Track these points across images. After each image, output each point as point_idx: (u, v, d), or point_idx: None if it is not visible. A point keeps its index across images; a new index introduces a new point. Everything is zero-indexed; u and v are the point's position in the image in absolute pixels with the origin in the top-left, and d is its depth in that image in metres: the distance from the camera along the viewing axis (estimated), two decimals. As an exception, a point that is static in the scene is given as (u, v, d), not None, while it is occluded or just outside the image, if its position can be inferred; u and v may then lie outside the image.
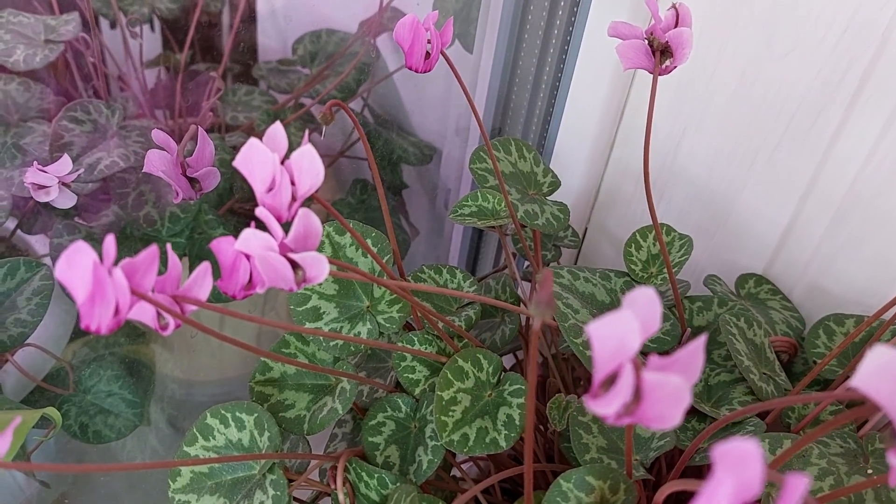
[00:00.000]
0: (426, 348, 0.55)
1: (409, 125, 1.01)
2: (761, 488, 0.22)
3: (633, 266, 0.62)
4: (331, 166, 1.02)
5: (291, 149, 0.92)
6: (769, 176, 0.66)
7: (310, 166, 0.40)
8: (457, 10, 0.83)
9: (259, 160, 0.40)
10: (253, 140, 0.39)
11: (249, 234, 0.39)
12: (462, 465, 0.69)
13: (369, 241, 0.53)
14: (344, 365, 0.54)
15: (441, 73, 0.89)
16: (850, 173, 0.62)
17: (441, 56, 0.52)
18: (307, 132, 0.41)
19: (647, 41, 0.47)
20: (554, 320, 0.53)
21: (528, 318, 0.70)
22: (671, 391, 0.27)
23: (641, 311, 0.30)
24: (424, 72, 0.49)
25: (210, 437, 0.51)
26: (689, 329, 0.60)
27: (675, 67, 0.48)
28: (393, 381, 0.58)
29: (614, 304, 0.60)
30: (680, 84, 0.67)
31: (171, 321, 0.39)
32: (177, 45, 1.08)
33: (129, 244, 0.77)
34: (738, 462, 0.22)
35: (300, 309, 0.53)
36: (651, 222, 0.64)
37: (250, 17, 1.18)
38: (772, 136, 0.64)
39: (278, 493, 0.49)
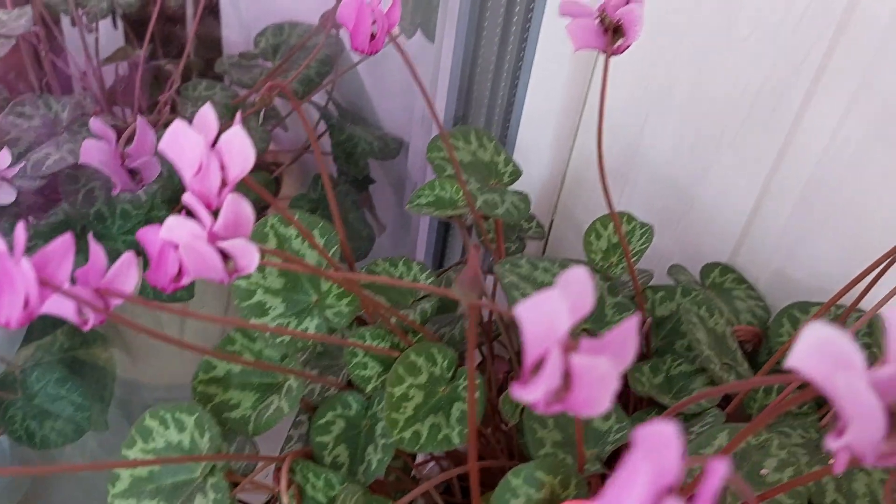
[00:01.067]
0: (378, 343, 0.53)
1: (375, 118, 0.99)
2: (680, 473, 0.21)
3: (593, 255, 0.60)
4: (295, 161, 1.00)
5: (255, 146, 0.90)
6: (731, 163, 0.64)
7: (240, 150, 0.38)
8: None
9: (185, 144, 0.38)
10: (178, 122, 0.37)
11: (175, 221, 0.37)
12: (424, 466, 0.67)
13: (316, 233, 0.51)
14: (291, 362, 0.52)
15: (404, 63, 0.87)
16: (812, 159, 0.60)
17: (393, 43, 0.50)
18: (238, 113, 0.39)
19: (598, 20, 0.45)
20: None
21: (490, 312, 0.69)
22: (599, 375, 0.26)
23: (572, 292, 0.28)
24: (371, 53, 0.47)
25: (150, 440, 0.49)
26: (650, 318, 0.58)
27: (628, 46, 0.47)
28: (345, 379, 0.56)
29: (573, 295, 0.58)
30: (641, 71, 0.65)
31: (92, 316, 0.37)
32: (139, 40, 1.05)
33: (80, 244, 0.74)
34: (657, 446, 0.21)
35: (245, 304, 0.51)
36: (620, 212, 0.62)
37: (213, 12, 1.16)
38: (733, 122, 0.62)
39: (219, 496, 0.47)
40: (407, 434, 0.49)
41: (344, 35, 0.95)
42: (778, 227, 0.65)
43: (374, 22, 0.46)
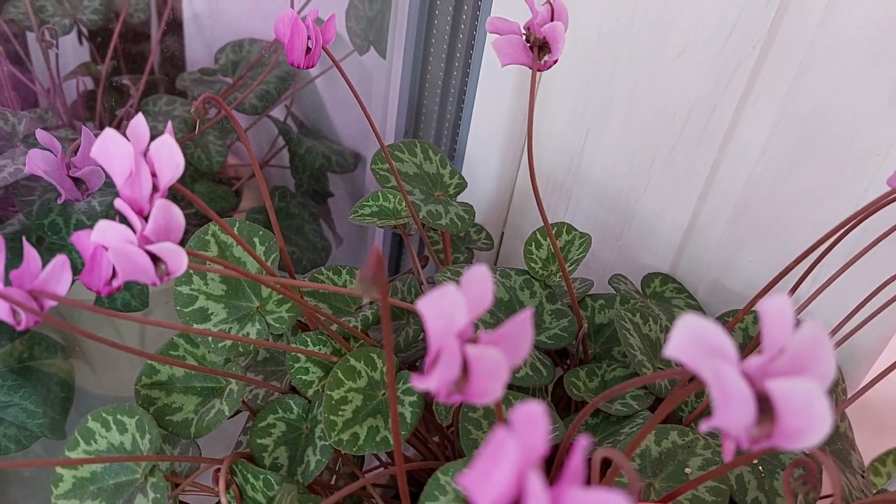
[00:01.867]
0: (320, 349, 0.54)
1: (333, 132, 1.01)
2: (545, 450, 0.22)
3: (533, 264, 0.62)
4: (253, 176, 1.02)
5: (212, 160, 0.90)
6: (668, 176, 0.67)
7: (169, 157, 0.39)
8: (371, 16, 0.83)
9: (116, 151, 0.39)
10: (109, 130, 0.39)
11: (105, 225, 0.38)
12: (371, 472, 0.68)
13: (256, 241, 0.52)
14: (233, 367, 0.53)
15: (361, 79, 0.89)
16: (743, 174, 0.63)
17: (330, 57, 0.52)
18: (169, 123, 0.41)
19: (524, 36, 0.47)
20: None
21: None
22: (491, 364, 0.27)
23: (473, 288, 0.30)
24: (307, 67, 0.49)
25: (92, 441, 0.50)
26: (585, 324, 0.60)
27: (555, 62, 0.49)
28: (289, 384, 0.57)
29: (512, 301, 0.60)
30: (581, 87, 0.68)
31: (25, 316, 0.38)
32: (102, 57, 1.06)
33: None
34: (526, 423, 0.22)
35: (187, 310, 0.52)
36: (560, 222, 0.64)
37: (176, 29, 1.17)
38: (669, 137, 0.65)
39: (159, 496, 0.48)
40: (345, 436, 0.51)
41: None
42: (714, 238, 0.67)
43: (309, 38, 0.47)
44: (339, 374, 0.52)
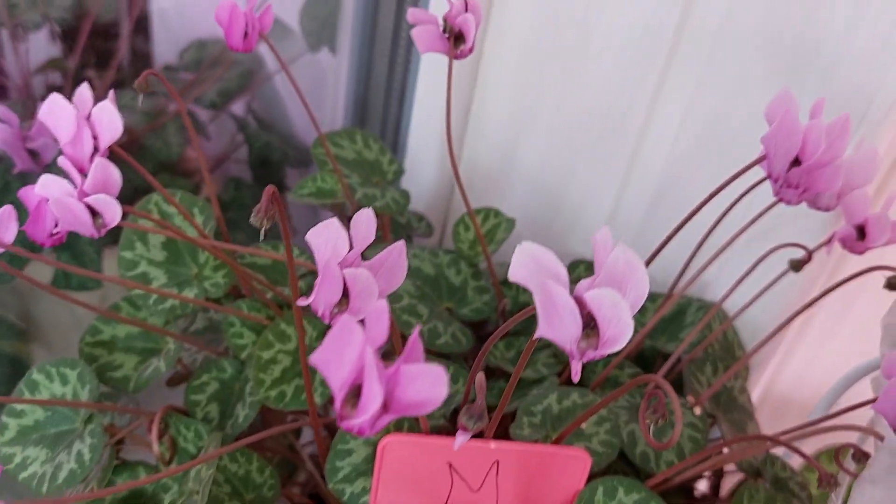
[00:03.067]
0: (254, 314, 0.58)
1: (293, 128, 1.05)
2: (385, 338, 0.27)
3: (460, 244, 0.66)
4: (217, 168, 1.06)
5: (171, 150, 0.94)
6: (592, 166, 0.72)
7: (109, 121, 0.44)
8: (324, 16, 0.88)
9: (61, 114, 0.43)
10: (55, 95, 0.43)
11: (49, 179, 0.43)
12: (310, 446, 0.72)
13: (196, 210, 0.56)
14: (172, 328, 0.57)
15: (317, 75, 0.94)
16: (659, 163, 0.68)
17: (268, 45, 0.57)
18: (112, 91, 0.45)
19: (441, 27, 0.52)
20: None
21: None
22: (364, 284, 0.32)
23: (359, 228, 0.34)
24: (245, 51, 0.53)
25: (36, 392, 0.54)
26: (506, 300, 0.65)
27: (470, 51, 0.54)
28: (225, 350, 0.61)
29: (438, 277, 0.64)
30: (514, 83, 0.73)
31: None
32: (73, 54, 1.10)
33: None
34: (374, 316, 0.27)
35: (130, 274, 0.56)
36: (488, 207, 0.69)
37: (145, 28, 1.22)
38: (592, 128, 0.70)
39: (95, 440, 0.51)
40: (273, 393, 0.55)
41: (263, 50, 1.02)
42: (635, 225, 0.72)
43: (247, 24, 0.52)
44: (270, 337, 0.56)
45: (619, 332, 0.29)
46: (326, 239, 0.32)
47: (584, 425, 0.53)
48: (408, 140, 0.81)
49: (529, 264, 0.30)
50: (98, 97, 0.95)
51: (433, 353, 0.60)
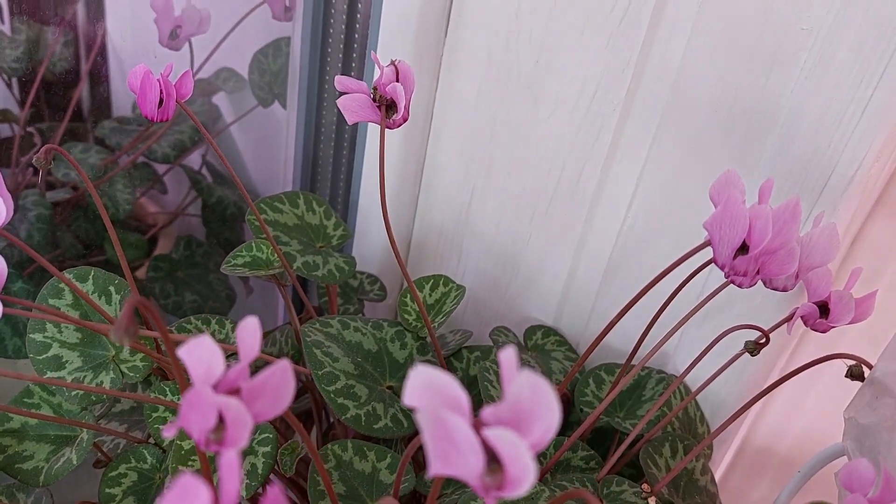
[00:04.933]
0: (179, 399, 0.54)
1: (249, 181, 1.02)
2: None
3: (406, 316, 0.63)
4: (171, 224, 1.02)
5: (118, 204, 0.90)
6: (547, 231, 0.68)
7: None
8: (275, 70, 0.85)
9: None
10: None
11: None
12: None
13: (112, 289, 0.53)
14: (87, 416, 0.53)
15: (271, 130, 0.91)
16: (614, 229, 0.65)
17: (182, 107, 0.53)
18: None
19: (371, 96, 0.49)
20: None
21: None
22: (236, 414, 0.28)
23: (244, 340, 0.30)
24: (161, 120, 0.50)
25: (-69, 491, 0.49)
26: (458, 374, 0.61)
27: (405, 121, 0.50)
28: (147, 434, 0.57)
29: (381, 353, 0.61)
30: (465, 145, 0.69)
31: None
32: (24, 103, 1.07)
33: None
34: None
35: (40, 357, 0.52)
36: (438, 275, 0.65)
37: (103, 78, 1.19)
38: (545, 193, 0.67)
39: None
40: (193, 486, 0.50)
41: (219, 101, 0.99)
42: (591, 292, 0.69)
43: (161, 91, 0.49)
44: (193, 424, 0.52)
45: (520, 474, 0.25)
46: (199, 358, 0.29)
47: (528, 522, 0.49)
48: (359, 200, 0.77)
49: (427, 391, 0.27)
50: (49, 149, 0.91)
51: (370, 440, 0.56)
